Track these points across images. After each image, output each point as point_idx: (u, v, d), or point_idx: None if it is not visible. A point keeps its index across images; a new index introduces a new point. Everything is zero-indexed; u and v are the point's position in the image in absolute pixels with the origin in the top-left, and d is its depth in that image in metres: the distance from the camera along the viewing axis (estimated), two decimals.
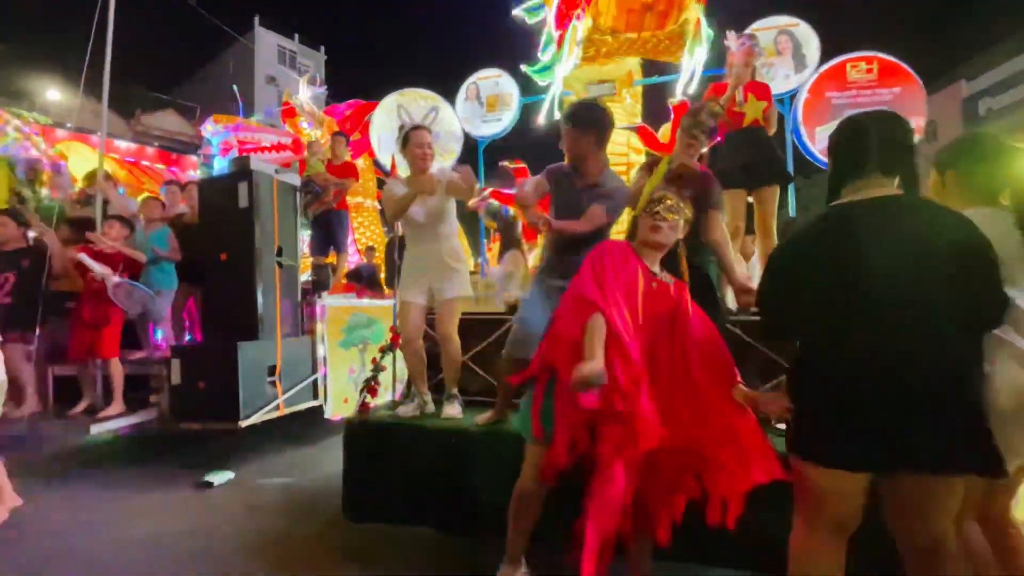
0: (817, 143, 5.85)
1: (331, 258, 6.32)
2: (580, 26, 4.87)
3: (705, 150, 2.76)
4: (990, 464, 1.34)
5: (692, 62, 5.04)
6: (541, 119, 5.87)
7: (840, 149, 1.61)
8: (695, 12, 4.52)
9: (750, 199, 3.67)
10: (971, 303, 1.35)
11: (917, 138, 5.58)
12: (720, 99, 3.39)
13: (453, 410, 2.83)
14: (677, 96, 5.44)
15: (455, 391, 2.92)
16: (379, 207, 9.11)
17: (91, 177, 5.44)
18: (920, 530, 1.43)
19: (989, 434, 1.34)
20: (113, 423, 4.14)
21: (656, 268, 1.93)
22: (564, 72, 5.29)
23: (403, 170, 3.07)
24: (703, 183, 2.51)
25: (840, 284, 1.42)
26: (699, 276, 2.30)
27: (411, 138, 2.94)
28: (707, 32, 5.06)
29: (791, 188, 5.77)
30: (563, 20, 5.05)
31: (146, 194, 6.56)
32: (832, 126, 6.23)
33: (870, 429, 1.35)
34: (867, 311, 1.38)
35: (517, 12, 5.83)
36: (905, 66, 5.68)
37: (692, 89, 5.24)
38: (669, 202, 1.91)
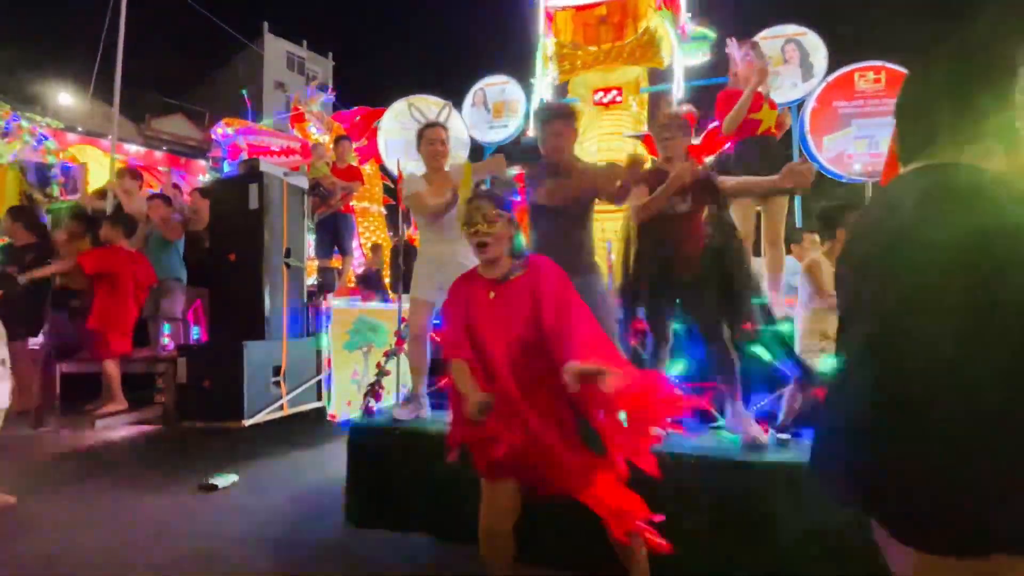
0: (824, 152, 5.84)
1: (336, 261, 6.35)
2: (549, 43, 4.99)
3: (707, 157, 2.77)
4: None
5: (677, 64, 5.06)
6: (530, 132, 5.97)
7: None
8: (657, 19, 4.58)
9: (759, 208, 3.67)
10: None
11: None
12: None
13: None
14: (673, 99, 5.45)
15: None
16: (384, 212, 9.16)
17: (120, 175, 5.47)
18: None
19: None
20: (117, 420, 4.16)
21: (497, 272, 1.92)
22: (543, 89, 5.45)
23: (408, 173, 3.13)
24: (701, 183, 2.54)
25: None
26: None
27: (424, 135, 2.99)
28: (698, 33, 5.12)
29: (797, 198, 5.76)
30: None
31: (148, 191, 6.61)
32: (839, 135, 6.24)
33: None
34: None
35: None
36: None
37: (680, 92, 5.26)
38: (484, 212, 1.88)
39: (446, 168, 3.01)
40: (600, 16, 4.54)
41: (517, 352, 1.80)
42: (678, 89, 5.23)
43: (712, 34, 5.31)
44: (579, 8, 4.54)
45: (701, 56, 5.43)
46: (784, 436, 2.50)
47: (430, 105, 7.32)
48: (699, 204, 2.51)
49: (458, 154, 7.17)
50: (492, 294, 1.89)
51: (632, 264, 2.68)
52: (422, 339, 2.97)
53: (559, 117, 2.61)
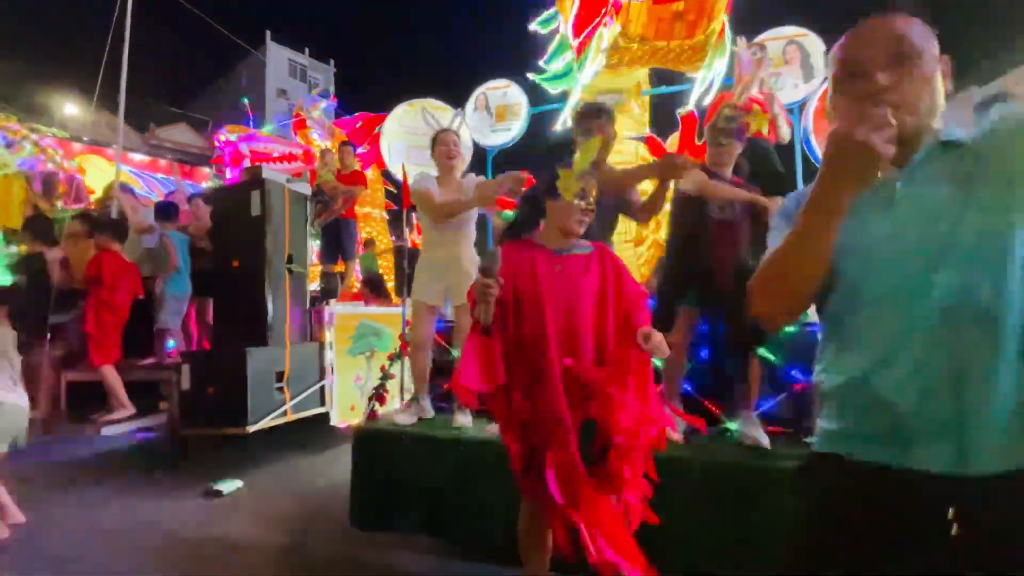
0: None
1: (339, 266, 6.37)
2: (607, 33, 4.85)
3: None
4: None
5: (711, 73, 5.01)
6: (558, 126, 5.87)
7: None
8: (721, 21, 4.53)
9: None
10: None
11: None
12: (728, 108, 3.39)
13: (464, 419, 2.82)
14: (691, 105, 5.43)
15: None
16: (387, 217, 9.18)
17: (108, 189, 5.51)
18: None
19: None
20: (123, 427, 4.16)
21: (566, 245, 1.86)
22: (586, 79, 5.27)
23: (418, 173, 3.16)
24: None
25: None
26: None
27: (439, 138, 3.03)
28: (729, 42, 5.06)
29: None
30: (582, 27, 5.03)
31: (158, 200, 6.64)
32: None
33: None
34: None
35: (533, 26, 5.89)
36: None
37: (708, 99, 5.22)
38: (596, 192, 1.84)
39: (458, 176, 3.02)
40: (676, 11, 4.41)
41: (574, 327, 1.74)
42: (708, 94, 5.13)
43: (733, 46, 5.27)
44: (657, 1, 4.39)
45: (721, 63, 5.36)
46: (812, 440, 2.48)
47: (444, 111, 7.36)
48: (744, 214, 2.50)
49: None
50: (558, 266, 1.82)
51: (669, 269, 2.69)
52: (424, 347, 2.96)
53: (594, 116, 2.64)
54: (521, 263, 1.82)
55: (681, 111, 5.87)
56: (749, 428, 2.37)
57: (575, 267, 1.82)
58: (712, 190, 2.46)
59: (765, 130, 3.81)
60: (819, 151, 5.88)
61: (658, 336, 1.65)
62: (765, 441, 2.28)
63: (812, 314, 1.26)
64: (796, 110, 5.90)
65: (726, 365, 2.57)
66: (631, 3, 4.51)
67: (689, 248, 2.58)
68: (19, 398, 3.02)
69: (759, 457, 2.23)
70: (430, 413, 2.96)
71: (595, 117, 2.65)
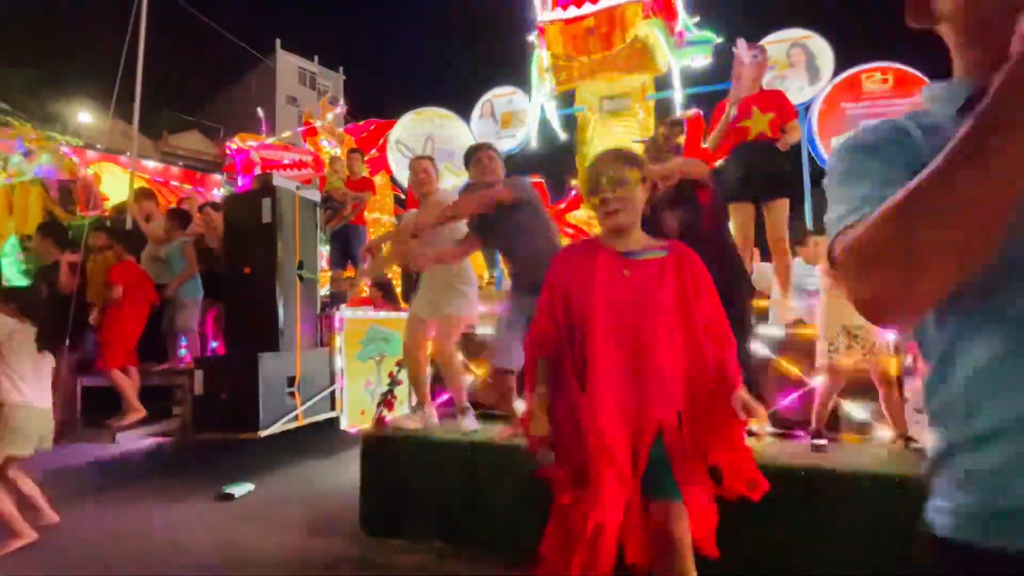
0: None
1: (349, 271, 6.43)
2: (544, 55, 5.05)
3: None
4: None
5: (674, 70, 5.08)
6: (533, 141, 6.04)
7: None
8: (646, 28, 4.61)
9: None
10: None
11: None
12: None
13: (468, 423, 2.86)
14: (677, 105, 5.45)
15: (466, 404, 2.96)
16: (395, 222, 9.26)
17: (136, 198, 5.60)
18: None
19: None
20: (137, 432, 4.22)
21: (634, 246, 1.61)
22: (542, 99, 5.52)
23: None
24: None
25: None
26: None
27: (410, 168, 3.24)
28: (700, 37, 5.13)
29: (807, 199, 5.73)
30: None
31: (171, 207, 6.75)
32: (847, 137, 6.23)
33: None
34: None
35: (530, 38, 6.00)
36: (921, 76, 5.64)
37: (680, 98, 5.26)
38: (610, 175, 1.58)
39: (436, 196, 3.13)
40: (588, 27, 4.62)
41: (641, 347, 1.50)
42: (678, 95, 5.24)
43: (716, 37, 5.31)
44: (568, 21, 4.62)
45: (702, 59, 5.42)
46: (821, 442, 2.51)
47: (448, 119, 7.45)
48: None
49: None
50: (627, 271, 1.55)
51: None
52: (411, 353, 3.06)
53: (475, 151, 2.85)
54: (579, 271, 1.58)
55: (686, 114, 5.89)
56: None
57: (646, 274, 1.55)
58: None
59: (768, 131, 3.81)
60: (824, 153, 5.87)
61: (756, 408, 1.53)
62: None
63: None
64: (802, 112, 5.89)
65: None
66: (548, 26, 4.67)
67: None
68: (44, 400, 3.09)
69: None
70: (434, 418, 3.01)
71: (477, 151, 2.84)
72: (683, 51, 5.23)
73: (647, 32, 4.58)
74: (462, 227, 2.99)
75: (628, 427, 1.47)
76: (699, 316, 1.55)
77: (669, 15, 4.76)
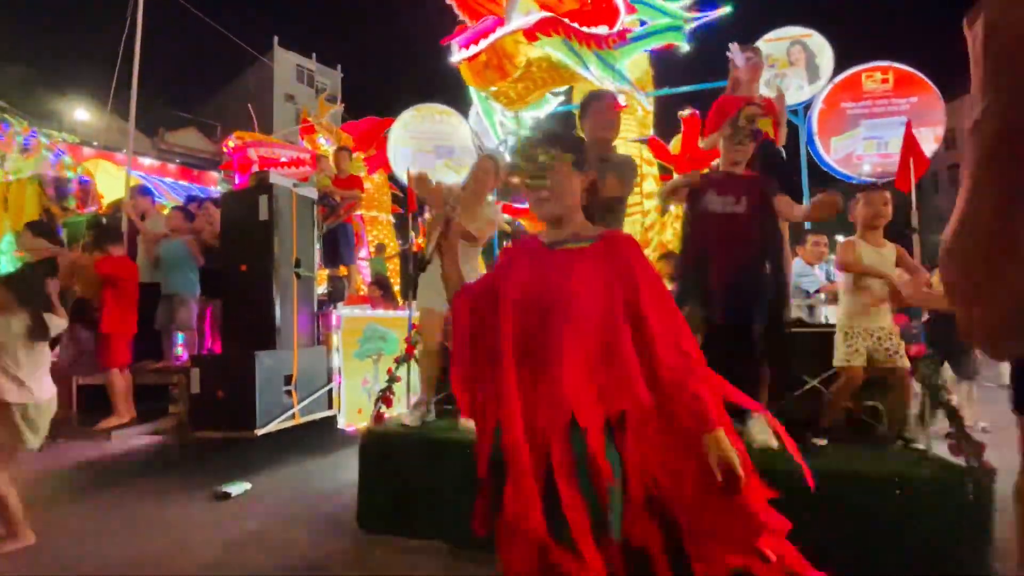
0: (832, 154, 5.81)
1: (343, 270, 6.43)
2: (471, 90, 5.47)
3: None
4: None
5: (604, 75, 5.09)
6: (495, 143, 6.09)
7: None
8: (537, 49, 4.73)
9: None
10: None
11: (936, 147, 5.52)
12: (751, 108, 3.34)
13: (469, 421, 2.84)
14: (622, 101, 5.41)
15: None
16: (393, 220, 9.23)
17: (131, 196, 5.57)
18: None
19: None
20: (131, 431, 4.19)
21: (563, 236, 1.46)
22: (500, 119, 5.86)
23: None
24: (757, 185, 2.60)
25: None
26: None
27: (479, 166, 3.13)
28: (662, 26, 5.17)
29: (806, 199, 5.73)
30: None
31: (171, 206, 6.71)
32: (847, 136, 6.18)
33: None
34: None
35: None
36: (921, 75, 5.64)
37: (622, 99, 5.21)
38: (533, 161, 1.43)
39: (486, 209, 3.08)
40: (483, 62, 4.90)
41: (544, 338, 1.34)
42: (622, 97, 5.19)
43: (683, 20, 5.22)
44: (468, 59, 4.94)
45: (668, 44, 5.31)
46: (821, 442, 2.50)
47: (448, 115, 7.41)
48: (754, 209, 2.53)
49: (465, 161, 7.24)
50: (542, 264, 1.43)
51: (683, 264, 2.73)
52: (435, 352, 2.99)
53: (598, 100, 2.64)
54: (506, 263, 1.51)
55: (683, 113, 5.88)
56: (758, 430, 2.39)
57: (561, 263, 1.40)
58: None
59: (771, 132, 3.81)
60: (824, 153, 5.87)
61: (737, 474, 1.23)
62: (774, 442, 2.29)
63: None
64: (801, 111, 5.89)
65: (734, 366, 2.58)
66: (459, 66, 5.08)
67: (695, 248, 2.62)
68: (46, 392, 3.06)
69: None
70: (432, 415, 2.99)
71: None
72: (630, 47, 5.20)
73: (541, 53, 4.78)
74: (492, 209, 3.00)
75: (532, 432, 1.29)
76: (632, 316, 1.33)
77: (591, 21, 4.78)
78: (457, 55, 5.01)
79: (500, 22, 4.78)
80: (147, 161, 9.98)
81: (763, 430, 2.37)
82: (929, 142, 5.32)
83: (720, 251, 2.49)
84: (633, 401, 1.29)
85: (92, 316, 4.39)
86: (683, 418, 1.29)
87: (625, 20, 4.97)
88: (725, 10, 5.19)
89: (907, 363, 2.59)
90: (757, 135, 2.70)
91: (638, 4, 5.18)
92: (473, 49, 4.85)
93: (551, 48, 4.72)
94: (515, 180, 1.47)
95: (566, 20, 4.71)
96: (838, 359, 2.68)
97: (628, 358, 1.30)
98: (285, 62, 29.81)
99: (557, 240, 1.46)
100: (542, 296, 1.37)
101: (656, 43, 5.35)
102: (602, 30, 4.82)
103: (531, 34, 4.62)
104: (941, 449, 2.36)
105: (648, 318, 1.32)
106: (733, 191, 2.54)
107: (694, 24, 5.25)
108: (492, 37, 4.75)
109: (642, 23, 5.29)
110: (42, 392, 2.98)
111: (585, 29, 4.76)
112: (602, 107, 2.63)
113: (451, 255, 1.67)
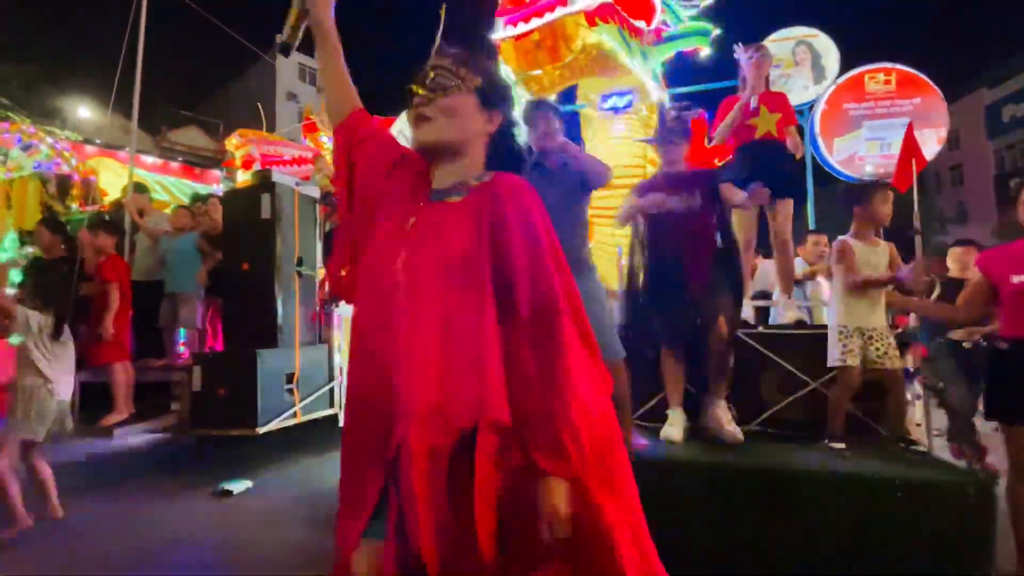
0: (835, 154, 5.81)
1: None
2: (507, 71, 5.20)
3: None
4: None
5: (639, 71, 5.06)
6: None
7: None
8: (595, 35, 4.63)
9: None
10: None
11: (938, 147, 5.51)
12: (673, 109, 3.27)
13: None
14: (653, 98, 5.42)
15: None
16: None
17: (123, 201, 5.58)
18: None
19: None
20: (135, 427, 4.21)
21: (448, 183, 1.17)
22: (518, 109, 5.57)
23: None
24: (702, 176, 2.74)
25: None
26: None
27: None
28: (693, 28, 5.12)
29: (810, 199, 5.72)
30: None
31: (175, 204, 6.72)
32: (850, 137, 6.19)
33: None
34: None
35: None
36: (924, 77, 5.63)
37: (654, 99, 5.23)
38: (437, 69, 1.17)
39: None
40: (535, 42, 4.68)
41: (388, 310, 1.06)
42: (644, 97, 5.17)
43: (712, 28, 5.25)
44: (517, 38, 4.69)
45: (703, 52, 5.34)
46: (839, 445, 2.50)
47: None
48: (707, 204, 2.60)
49: None
50: (413, 219, 1.12)
51: (640, 266, 2.74)
52: None
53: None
54: (389, 197, 1.21)
55: (690, 114, 5.86)
56: (722, 421, 2.52)
57: (429, 224, 1.11)
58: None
59: (775, 131, 3.80)
60: (826, 153, 5.86)
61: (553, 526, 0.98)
62: (740, 435, 2.46)
63: None
64: (805, 111, 5.88)
65: (702, 354, 2.62)
66: (501, 44, 4.81)
67: (664, 242, 2.68)
68: (65, 391, 3.16)
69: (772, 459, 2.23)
70: None
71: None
72: (665, 46, 5.19)
73: (597, 39, 4.65)
74: None
75: (379, 422, 1.10)
76: (498, 284, 1.02)
77: (635, 14, 4.73)
78: (502, 31, 4.75)
79: (561, 1, 4.56)
80: (150, 159, 9.99)
81: (728, 420, 2.54)
82: (932, 143, 5.32)
83: (687, 246, 2.58)
84: (485, 419, 0.97)
85: (97, 314, 4.40)
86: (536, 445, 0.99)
87: (659, 19, 4.96)
88: (704, 51, 5.23)
89: (899, 364, 2.59)
90: (687, 133, 2.84)
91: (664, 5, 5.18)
92: (523, 27, 4.61)
93: (607, 35, 4.65)
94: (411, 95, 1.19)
95: (619, 9, 4.64)
96: (832, 359, 2.68)
97: (490, 365, 0.98)
98: (287, 61, 29.82)
99: (440, 189, 1.17)
100: (395, 271, 1.07)
101: (687, 45, 5.34)
102: (642, 24, 4.80)
103: (591, 18, 4.52)
104: (941, 450, 2.36)
105: (515, 262, 1.03)
106: (685, 187, 2.64)
107: (716, 31, 5.26)
108: (550, 16, 4.53)
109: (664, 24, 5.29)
110: (59, 388, 3.08)
111: (632, 21, 4.73)
112: (547, 115, 2.46)
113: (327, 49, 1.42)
